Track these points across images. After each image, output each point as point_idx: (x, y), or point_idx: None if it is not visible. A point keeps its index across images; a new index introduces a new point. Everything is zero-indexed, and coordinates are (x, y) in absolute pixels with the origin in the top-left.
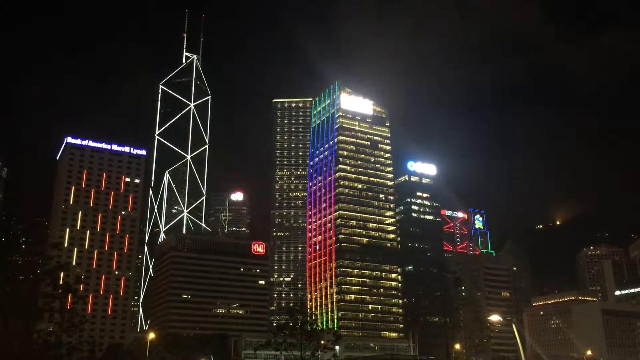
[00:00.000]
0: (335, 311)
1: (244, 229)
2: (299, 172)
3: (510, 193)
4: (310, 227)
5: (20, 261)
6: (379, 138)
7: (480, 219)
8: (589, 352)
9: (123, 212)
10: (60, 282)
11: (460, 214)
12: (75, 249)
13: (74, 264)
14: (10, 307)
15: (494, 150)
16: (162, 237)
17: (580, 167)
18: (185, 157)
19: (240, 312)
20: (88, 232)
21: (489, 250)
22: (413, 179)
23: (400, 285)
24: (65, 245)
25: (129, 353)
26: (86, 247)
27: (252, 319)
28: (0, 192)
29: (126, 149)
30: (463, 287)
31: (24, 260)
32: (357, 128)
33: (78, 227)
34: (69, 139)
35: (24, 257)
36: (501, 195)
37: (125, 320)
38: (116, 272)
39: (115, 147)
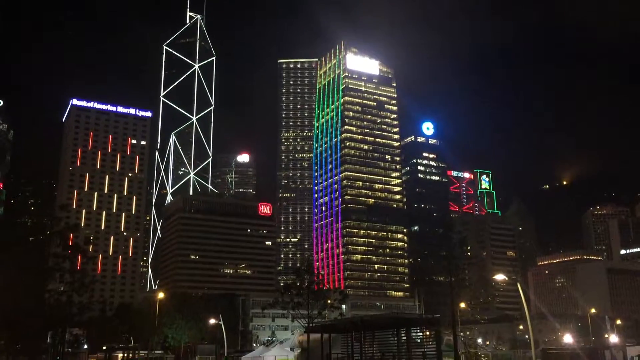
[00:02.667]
0: (341, 271)
1: (250, 190)
2: (304, 134)
3: (516, 153)
4: (316, 188)
5: (29, 222)
6: (385, 98)
7: (487, 179)
8: (593, 310)
9: (130, 174)
10: (70, 243)
11: (466, 175)
12: (84, 210)
13: (82, 225)
14: (22, 268)
15: (501, 110)
16: (169, 198)
17: (586, 127)
18: (191, 118)
19: (248, 272)
20: (96, 193)
21: (495, 211)
22: (419, 139)
23: (406, 245)
24: (74, 207)
25: (139, 312)
26: (94, 209)
27: (259, 279)
28: (8, 154)
29: (131, 110)
30: (469, 247)
31: (33, 222)
32: (363, 88)
33: (86, 189)
34: (74, 101)
35: (33, 219)
36: (508, 156)
37: (135, 280)
38: (124, 233)
39: (120, 109)
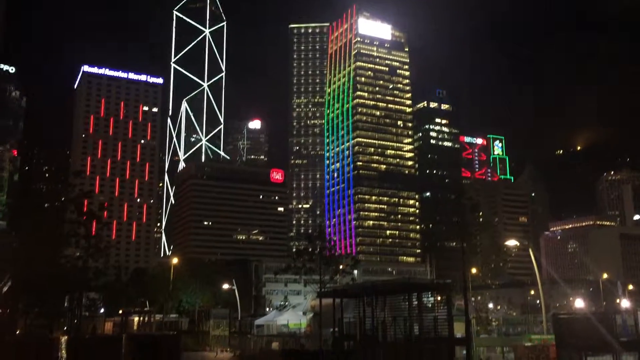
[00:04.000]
0: (353, 237)
1: (262, 157)
2: (316, 100)
3: (530, 119)
4: (328, 154)
5: (44, 189)
6: (398, 64)
7: (500, 145)
8: (605, 276)
9: (142, 141)
10: (85, 209)
11: (479, 141)
12: (97, 177)
13: (96, 192)
14: (39, 234)
15: (516, 75)
16: (181, 165)
17: (602, 91)
18: (202, 85)
19: (260, 238)
20: (109, 160)
21: (508, 177)
22: (432, 105)
23: (417, 211)
24: (87, 174)
25: (154, 277)
26: (107, 176)
27: (271, 245)
28: (21, 121)
29: (143, 77)
30: (481, 213)
31: (48, 188)
32: (375, 54)
33: (99, 156)
34: (86, 68)
35: (47, 185)
36: (521, 122)
37: (149, 246)
38: (138, 200)
39: (131, 75)
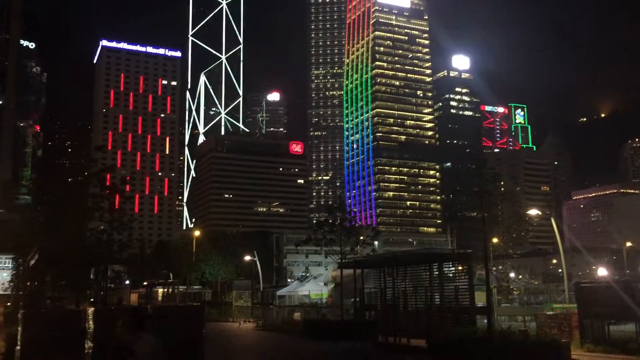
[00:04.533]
0: (373, 208)
1: (282, 129)
2: (334, 71)
3: (552, 86)
4: (347, 125)
5: (67, 164)
6: (417, 32)
7: (522, 113)
8: (628, 244)
9: (162, 115)
10: (107, 183)
11: (500, 109)
12: (119, 151)
13: (118, 166)
14: (64, 208)
15: (538, 41)
16: (201, 138)
17: (626, 58)
18: (220, 57)
19: (281, 210)
20: (130, 134)
21: (530, 146)
22: (452, 74)
23: (438, 182)
24: (109, 148)
25: (177, 249)
26: (129, 150)
27: (292, 217)
28: (43, 97)
29: (161, 51)
30: (502, 183)
31: (71, 163)
32: (394, 22)
33: (120, 130)
34: (104, 42)
35: (71, 160)
36: (543, 89)
37: (171, 219)
38: (159, 173)
39: (150, 49)
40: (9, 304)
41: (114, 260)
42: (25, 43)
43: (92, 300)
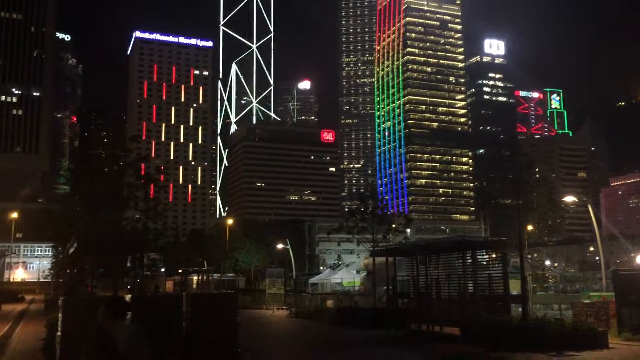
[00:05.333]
0: (405, 196)
1: (313, 117)
2: (365, 58)
3: (589, 69)
4: (378, 113)
5: (103, 154)
6: (449, 17)
7: (557, 98)
8: None
9: (195, 105)
10: (142, 173)
11: (535, 94)
12: (153, 141)
13: (152, 155)
14: (101, 197)
15: (574, 23)
16: (233, 127)
17: None
18: (251, 47)
19: (313, 198)
20: (163, 125)
21: (566, 131)
22: (485, 59)
23: (471, 169)
24: (143, 138)
25: (210, 237)
26: (163, 140)
27: (324, 205)
28: (79, 88)
29: (193, 41)
30: (537, 169)
31: (106, 153)
32: (425, 7)
33: (154, 120)
34: (137, 33)
35: (106, 150)
36: (580, 73)
37: (205, 208)
38: (192, 163)
39: (182, 39)
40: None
41: (149, 249)
42: (61, 35)
43: (129, 287)
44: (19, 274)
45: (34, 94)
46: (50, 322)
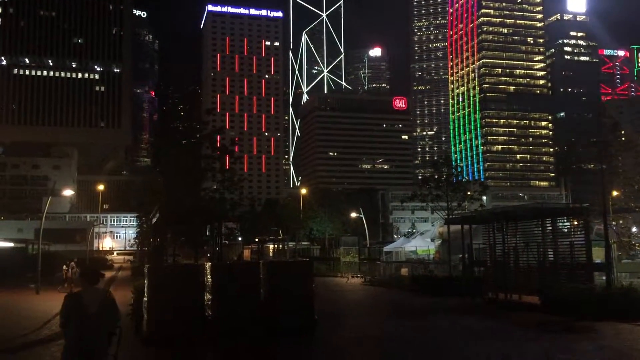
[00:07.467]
0: (480, 163)
1: (384, 85)
2: (438, 22)
3: None
4: (452, 78)
5: (180, 127)
6: None
7: None
8: None
9: (266, 76)
10: (218, 145)
11: (621, 53)
12: (227, 113)
13: (227, 127)
14: (180, 169)
15: None
16: (305, 97)
17: None
18: (321, 15)
19: (385, 166)
20: (237, 96)
21: None
22: (566, 17)
23: (550, 133)
24: (218, 110)
25: (285, 207)
26: (236, 112)
27: (397, 173)
28: (156, 64)
29: (263, 12)
30: (623, 132)
31: (184, 126)
32: None
33: (227, 93)
34: (210, 7)
35: (184, 123)
36: None
37: (279, 178)
38: (266, 134)
39: (252, 11)
40: (133, 258)
41: (227, 218)
42: (137, 12)
43: (208, 255)
44: (107, 243)
45: (115, 70)
46: (137, 288)
